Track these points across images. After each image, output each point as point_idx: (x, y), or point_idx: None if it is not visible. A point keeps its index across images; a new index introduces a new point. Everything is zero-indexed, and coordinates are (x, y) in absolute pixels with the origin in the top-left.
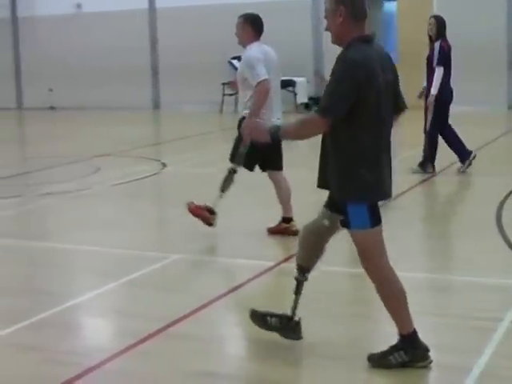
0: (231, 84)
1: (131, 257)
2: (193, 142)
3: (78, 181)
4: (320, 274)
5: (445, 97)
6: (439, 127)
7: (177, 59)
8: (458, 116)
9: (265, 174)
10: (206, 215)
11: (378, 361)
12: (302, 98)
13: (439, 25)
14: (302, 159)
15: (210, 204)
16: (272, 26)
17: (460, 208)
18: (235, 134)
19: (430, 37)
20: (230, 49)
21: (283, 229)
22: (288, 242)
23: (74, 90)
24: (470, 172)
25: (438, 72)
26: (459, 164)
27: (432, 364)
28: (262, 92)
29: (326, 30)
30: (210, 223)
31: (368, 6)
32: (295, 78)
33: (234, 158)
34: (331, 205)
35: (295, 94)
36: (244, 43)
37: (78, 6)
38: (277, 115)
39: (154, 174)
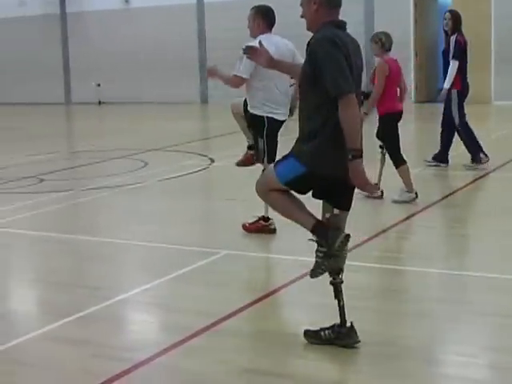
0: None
1: (180, 252)
2: (240, 138)
3: (127, 175)
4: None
5: (465, 91)
6: (461, 119)
7: (224, 53)
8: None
9: None
10: (262, 224)
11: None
12: None
13: (455, 19)
14: None
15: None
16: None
17: None
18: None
19: (446, 31)
20: None
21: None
22: None
23: (122, 84)
24: None
25: (453, 65)
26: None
27: (493, 366)
28: (232, 82)
29: (302, 17)
30: (271, 230)
31: None
32: None
33: (257, 158)
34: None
35: None
36: (254, 35)
37: (126, 1)
38: (282, 110)
39: (203, 169)
